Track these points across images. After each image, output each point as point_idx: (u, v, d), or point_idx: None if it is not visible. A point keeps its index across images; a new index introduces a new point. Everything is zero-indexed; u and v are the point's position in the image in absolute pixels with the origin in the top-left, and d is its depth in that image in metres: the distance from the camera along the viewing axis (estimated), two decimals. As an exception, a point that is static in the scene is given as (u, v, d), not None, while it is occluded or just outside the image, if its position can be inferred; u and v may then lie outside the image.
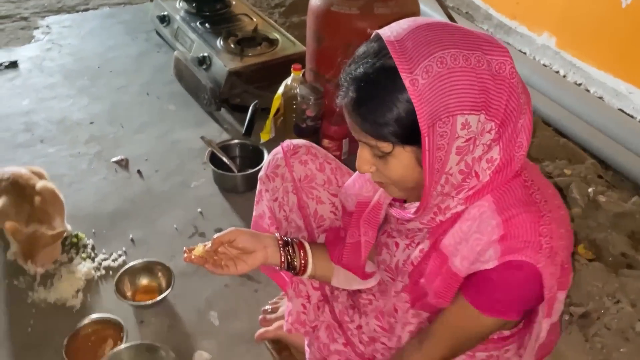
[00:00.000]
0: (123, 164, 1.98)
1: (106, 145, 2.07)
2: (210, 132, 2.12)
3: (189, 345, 1.40)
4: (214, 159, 1.89)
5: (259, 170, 1.85)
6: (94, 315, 1.42)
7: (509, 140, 0.83)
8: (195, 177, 1.94)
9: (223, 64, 2.17)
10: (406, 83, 0.78)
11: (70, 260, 1.60)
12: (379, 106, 0.81)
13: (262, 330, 1.35)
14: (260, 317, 1.39)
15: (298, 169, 1.18)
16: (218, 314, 1.48)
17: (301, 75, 1.95)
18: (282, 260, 1.09)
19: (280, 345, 1.36)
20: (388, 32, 0.82)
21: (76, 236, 1.66)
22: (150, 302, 1.46)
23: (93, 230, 1.70)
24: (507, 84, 0.81)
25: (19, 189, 1.58)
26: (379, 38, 0.83)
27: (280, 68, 2.15)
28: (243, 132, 2.06)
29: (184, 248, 1.05)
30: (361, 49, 0.85)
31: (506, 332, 1.02)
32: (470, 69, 0.78)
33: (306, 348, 1.21)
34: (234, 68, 2.16)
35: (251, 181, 1.89)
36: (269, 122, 2.03)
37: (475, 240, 0.86)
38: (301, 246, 1.11)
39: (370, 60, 0.82)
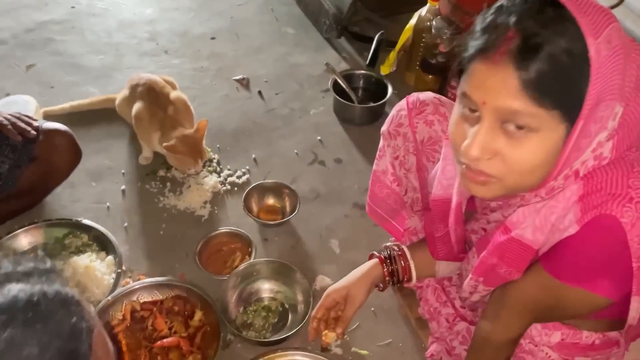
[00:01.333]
0: (244, 83, 1.97)
1: (227, 62, 2.06)
2: (329, 59, 2.06)
3: (310, 268, 1.43)
4: (334, 88, 1.85)
5: (381, 105, 1.83)
6: (224, 228, 1.47)
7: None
8: (314, 104, 1.92)
9: (349, -12, 2.08)
10: (591, 50, 0.65)
11: (198, 172, 1.64)
12: (553, 64, 0.66)
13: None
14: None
15: (422, 129, 1.09)
16: (339, 242, 1.49)
17: (437, 7, 1.84)
18: (388, 281, 1.13)
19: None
20: None
21: (203, 149, 1.70)
22: (276, 222, 1.49)
23: (218, 146, 1.73)
24: None
25: (154, 95, 1.61)
26: None
27: (406, -1, 2.05)
28: (367, 62, 1.99)
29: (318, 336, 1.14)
30: None
31: (612, 334, 0.91)
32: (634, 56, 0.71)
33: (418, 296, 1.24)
34: (360, -7, 2.07)
35: (370, 114, 1.85)
36: (393, 55, 1.95)
37: (549, 208, 0.77)
38: (402, 256, 1.12)
39: (541, 4, 0.68)
